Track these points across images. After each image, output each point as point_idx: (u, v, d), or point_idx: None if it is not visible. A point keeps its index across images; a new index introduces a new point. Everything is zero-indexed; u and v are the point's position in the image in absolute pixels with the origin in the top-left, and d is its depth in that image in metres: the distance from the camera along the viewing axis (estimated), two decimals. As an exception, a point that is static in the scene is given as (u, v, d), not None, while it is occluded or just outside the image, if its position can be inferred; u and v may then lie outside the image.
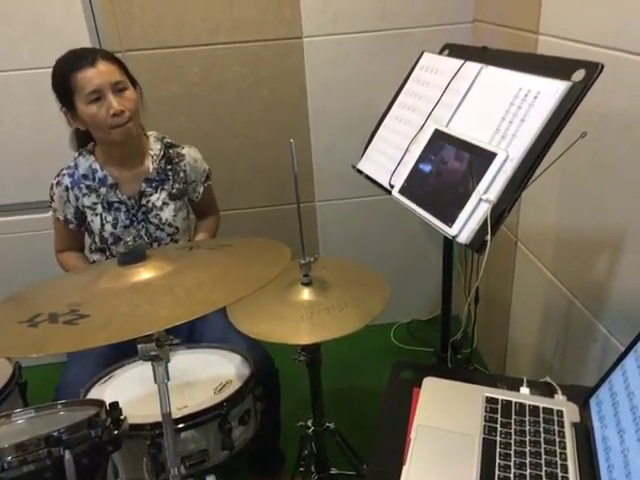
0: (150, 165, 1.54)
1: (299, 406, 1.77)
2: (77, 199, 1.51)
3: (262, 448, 1.57)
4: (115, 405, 0.98)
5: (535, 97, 1.02)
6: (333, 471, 1.55)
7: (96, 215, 1.52)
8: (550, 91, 0.99)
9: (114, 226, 1.53)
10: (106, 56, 1.40)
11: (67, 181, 1.50)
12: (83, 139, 1.53)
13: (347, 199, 2.27)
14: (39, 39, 1.92)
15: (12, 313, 0.88)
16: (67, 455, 0.85)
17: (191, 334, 1.53)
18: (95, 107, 1.37)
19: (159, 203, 1.55)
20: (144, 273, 0.91)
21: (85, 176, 1.50)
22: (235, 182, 2.21)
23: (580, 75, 0.97)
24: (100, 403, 0.99)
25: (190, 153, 1.60)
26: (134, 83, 1.46)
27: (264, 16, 1.96)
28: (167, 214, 1.56)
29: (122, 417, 0.98)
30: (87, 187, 1.50)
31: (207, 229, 1.73)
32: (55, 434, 0.85)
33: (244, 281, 0.88)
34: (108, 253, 1.57)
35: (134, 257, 0.93)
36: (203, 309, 0.78)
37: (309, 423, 1.46)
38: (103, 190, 1.50)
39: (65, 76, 1.37)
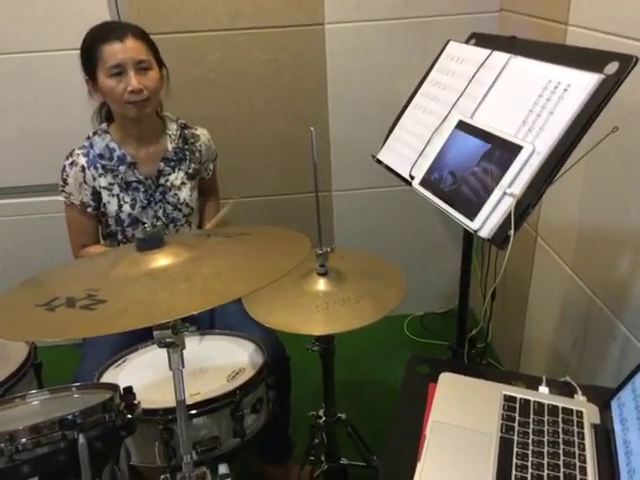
0: (169, 145, 1.54)
1: (311, 396, 1.77)
2: (94, 179, 1.49)
3: (272, 436, 1.57)
4: (129, 390, 0.98)
5: (565, 89, 0.99)
6: (343, 461, 1.54)
7: (113, 196, 1.51)
8: (581, 84, 0.96)
9: (132, 207, 1.52)
10: (137, 33, 1.39)
11: (83, 161, 1.48)
12: (107, 114, 1.53)
13: (364, 189, 2.25)
14: (61, 21, 1.91)
15: (29, 296, 0.88)
16: (81, 439, 0.85)
17: (205, 321, 1.53)
18: (114, 81, 1.37)
19: (177, 182, 1.55)
20: (162, 260, 0.90)
21: (101, 155, 1.48)
22: (251, 169, 2.19)
23: (613, 68, 0.94)
24: (114, 387, 0.99)
25: (204, 133, 1.64)
26: (160, 65, 1.46)
27: (286, 2, 1.94)
28: (185, 194, 1.57)
29: (136, 402, 0.98)
30: (103, 167, 1.49)
31: (214, 216, 1.72)
32: (70, 417, 0.85)
33: (263, 271, 0.87)
34: (121, 237, 1.57)
35: (152, 243, 0.92)
36: (221, 298, 0.77)
37: (320, 413, 1.46)
38: (122, 169, 1.49)
39: (92, 45, 1.37)
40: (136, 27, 1.43)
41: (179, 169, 1.56)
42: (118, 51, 1.35)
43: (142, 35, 1.41)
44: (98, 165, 1.49)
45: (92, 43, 1.38)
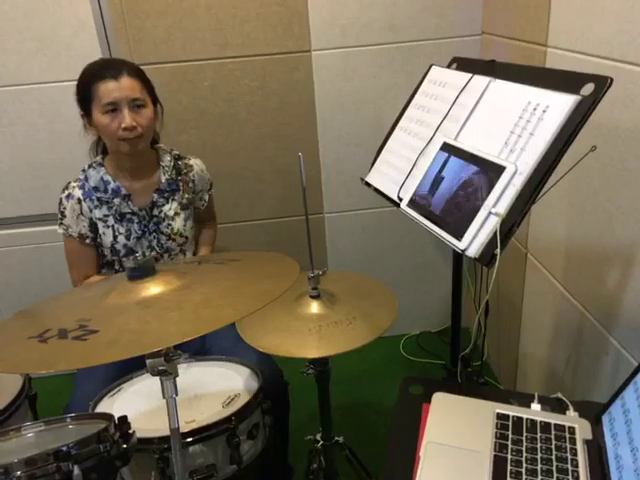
0: (162, 176, 1.56)
1: (308, 419, 1.76)
2: (90, 211, 1.51)
3: (270, 462, 1.56)
4: (124, 419, 0.98)
5: (544, 111, 1.02)
6: (342, 485, 1.53)
7: (108, 227, 1.53)
8: (559, 105, 0.99)
9: (127, 237, 1.54)
10: (132, 72, 1.42)
11: (79, 193, 1.50)
12: (103, 148, 1.56)
13: (356, 211, 2.27)
14: (51, 54, 1.95)
15: (23, 328, 0.88)
16: (76, 470, 0.85)
17: (199, 346, 1.54)
18: (109, 118, 1.40)
19: (171, 213, 1.57)
20: (153, 288, 0.91)
21: (96, 188, 1.51)
22: (244, 194, 2.22)
23: (589, 89, 0.96)
24: (109, 417, 0.99)
25: (197, 164, 1.66)
26: (155, 101, 1.49)
27: (273, 30, 1.98)
28: (178, 224, 1.59)
29: (130, 431, 0.97)
30: (98, 199, 1.51)
31: (208, 242, 1.78)
32: (64, 449, 0.85)
33: (252, 297, 0.88)
34: (118, 266, 1.58)
35: (143, 272, 0.93)
36: (211, 325, 0.78)
37: (318, 437, 1.45)
38: (117, 201, 1.51)
39: (88, 83, 1.40)
40: (132, 65, 1.46)
41: (172, 200, 1.58)
42: (113, 89, 1.38)
43: (137, 73, 1.44)
44: (93, 197, 1.51)
45: (88, 80, 1.41)
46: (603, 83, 0.95)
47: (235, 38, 1.98)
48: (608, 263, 1.34)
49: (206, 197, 1.70)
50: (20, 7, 1.89)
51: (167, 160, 1.58)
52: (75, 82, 1.44)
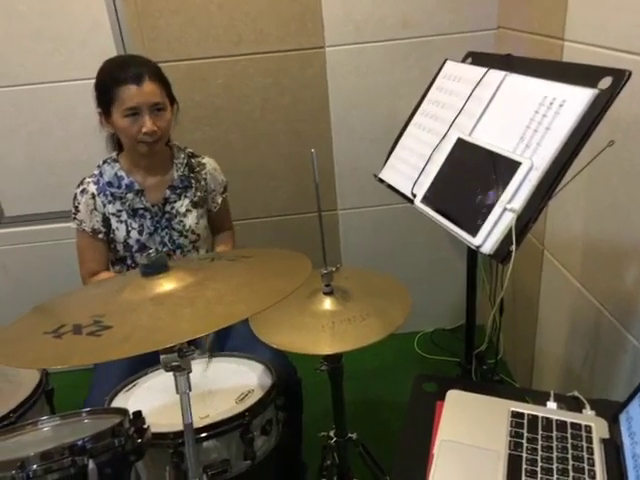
0: (175, 173, 1.57)
1: (321, 416, 1.76)
2: (103, 206, 1.53)
3: (284, 458, 1.56)
4: (138, 414, 0.99)
5: (561, 105, 1.00)
6: (356, 482, 1.53)
7: (121, 222, 1.54)
8: (576, 99, 0.97)
9: (140, 233, 1.55)
10: (153, 76, 1.41)
11: (93, 188, 1.52)
12: (119, 142, 1.56)
13: (370, 207, 2.26)
14: (67, 53, 1.96)
15: (38, 324, 0.89)
16: (91, 464, 0.85)
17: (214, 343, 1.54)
18: (129, 121, 1.41)
19: (183, 210, 1.58)
20: (166, 284, 0.91)
21: (110, 183, 1.52)
22: (258, 191, 2.22)
23: (607, 83, 0.95)
24: (124, 412, 1.00)
25: (210, 162, 1.66)
26: (172, 102, 1.50)
27: (287, 27, 1.98)
28: (190, 221, 1.59)
29: (145, 426, 0.98)
30: (112, 194, 1.52)
31: (227, 243, 1.76)
32: (79, 443, 0.86)
33: (264, 293, 0.88)
34: (130, 261, 1.59)
35: (156, 268, 0.94)
36: (223, 321, 0.78)
37: (331, 433, 1.45)
38: (130, 196, 1.53)
39: (109, 84, 1.40)
40: (152, 66, 1.45)
41: (185, 197, 1.59)
42: (135, 94, 1.38)
43: (157, 75, 1.44)
44: (107, 192, 1.52)
45: (109, 82, 1.40)
46: (621, 76, 0.93)
47: (248, 35, 1.98)
48: (626, 259, 1.32)
49: (219, 200, 1.68)
50: (36, 7, 1.91)
51: (181, 157, 1.59)
52: (91, 80, 1.45)
